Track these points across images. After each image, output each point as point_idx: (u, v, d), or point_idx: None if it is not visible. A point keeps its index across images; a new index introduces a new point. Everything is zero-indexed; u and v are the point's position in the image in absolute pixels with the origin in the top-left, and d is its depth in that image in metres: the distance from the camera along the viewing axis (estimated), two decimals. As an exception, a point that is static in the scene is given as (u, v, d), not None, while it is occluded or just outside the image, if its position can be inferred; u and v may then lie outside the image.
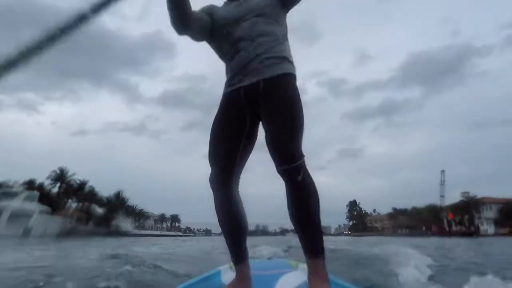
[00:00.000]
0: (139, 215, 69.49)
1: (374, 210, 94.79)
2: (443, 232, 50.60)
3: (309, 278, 1.19)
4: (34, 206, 26.05)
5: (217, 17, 1.41)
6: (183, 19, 1.26)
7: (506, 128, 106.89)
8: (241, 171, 1.37)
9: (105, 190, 53.60)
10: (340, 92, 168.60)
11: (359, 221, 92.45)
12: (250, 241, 1.49)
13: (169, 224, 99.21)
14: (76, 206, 47.19)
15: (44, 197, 32.55)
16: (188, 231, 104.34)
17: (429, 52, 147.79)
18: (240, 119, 1.31)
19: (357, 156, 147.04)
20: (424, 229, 60.96)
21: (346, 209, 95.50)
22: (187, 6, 1.23)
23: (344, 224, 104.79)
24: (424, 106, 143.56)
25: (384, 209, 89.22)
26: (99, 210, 48.71)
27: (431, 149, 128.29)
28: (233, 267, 1.53)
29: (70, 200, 46.77)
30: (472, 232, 46.55)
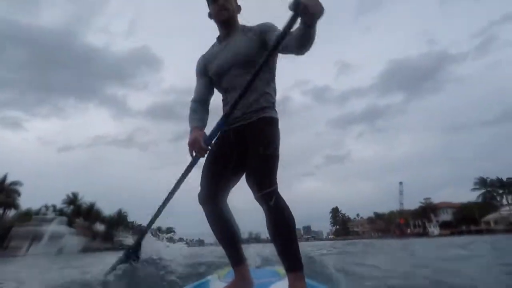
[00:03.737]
0: (137, 230, 75.43)
1: (358, 215, 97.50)
2: (402, 234, 58.92)
3: None
4: (64, 229, 33.38)
5: (209, 69, 1.64)
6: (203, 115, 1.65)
7: (483, 129, 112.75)
8: (229, 190, 1.56)
9: (99, 203, 56.99)
10: (324, 100, 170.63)
11: (342, 226, 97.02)
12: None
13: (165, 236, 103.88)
14: (83, 225, 53.69)
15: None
16: (184, 243, 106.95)
17: (408, 60, 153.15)
18: (228, 154, 1.53)
19: (344, 161, 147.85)
20: (395, 231, 69.02)
21: (329, 215, 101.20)
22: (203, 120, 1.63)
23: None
24: (406, 111, 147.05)
25: (368, 213, 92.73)
26: (101, 227, 55.26)
27: (415, 152, 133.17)
28: (222, 276, 1.73)
29: (77, 220, 53.32)
30: (422, 233, 54.83)
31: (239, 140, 1.50)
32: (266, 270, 2.40)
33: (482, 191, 52.02)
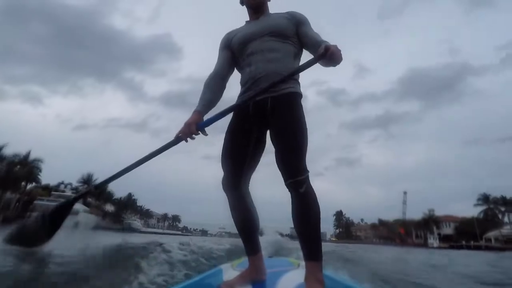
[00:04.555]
0: (145, 214, 78.37)
1: (362, 220, 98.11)
2: (403, 243, 59.74)
3: (306, 279, 1.27)
4: (80, 206, 35.99)
5: (234, 39, 1.57)
6: (219, 93, 1.57)
7: (498, 145, 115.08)
8: (250, 173, 1.49)
9: (111, 186, 60.55)
10: (339, 102, 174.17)
11: (345, 229, 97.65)
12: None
13: (169, 223, 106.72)
14: (95, 204, 56.72)
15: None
16: (185, 231, 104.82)
17: (428, 69, 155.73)
18: (248, 129, 1.45)
19: (354, 165, 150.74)
20: (396, 240, 69.77)
21: (333, 218, 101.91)
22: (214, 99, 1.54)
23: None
24: (422, 119, 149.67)
25: (373, 219, 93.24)
26: (111, 208, 58.26)
27: (428, 162, 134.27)
28: (235, 265, 1.71)
29: (90, 200, 56.38)
30: (422, 244, 55.53)
31: (260, 114, 1.42)
32: (279, 260, 2.41)
33: (484, 207, 52.32)
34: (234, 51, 1.59)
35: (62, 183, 54.58)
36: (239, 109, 1.45)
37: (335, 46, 1.27)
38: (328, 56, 1.26)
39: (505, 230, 48.78)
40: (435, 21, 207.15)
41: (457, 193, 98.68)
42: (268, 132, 1.46)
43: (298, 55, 1.55)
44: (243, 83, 1.52)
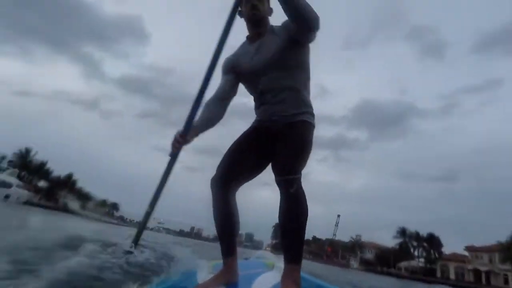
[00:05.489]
0: (84, 197, 74.75)
1: None
2: (328, 261, 64.86)
3: (282, 280, 1.26)
4: (13, 180, 34.23)
5: (241, 70, 1.55)
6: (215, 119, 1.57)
7: (430, 184, 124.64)
8: (242, 183, 1.48)
9: (51, 163, 56.48)
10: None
11: (280, 241, 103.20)
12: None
13: (107, 211, 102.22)
14: (28, 179, 53.44)
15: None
16: (120, 220, 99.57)
17: (380, 102, 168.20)
18: (254, 146, 1.49)
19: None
20: (324, 257, 75.17)
21: (271, 229, 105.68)
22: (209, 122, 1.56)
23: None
24: (368, 148, 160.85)
25: (308, 235, 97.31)
26: (42, 184, 55.21)
27: (365, 188, 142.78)
28: (210, 267, 1.70)
29: (23, 173, 53.07)
30: (345, 264, 60.97)
31: (269, 139, 1.45)
32: (254, 262, 2.37)
33: (401, 240, 59.13)
34: (243, 80, 1.60)
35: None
36: (253, 128, 1.55)
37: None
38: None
39: (414, 262, 55.96)
40: (392, 60, 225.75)
41: (384, 222, 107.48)
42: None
43: (307, 73, 1.52)
44: (257, 114, 1.58)
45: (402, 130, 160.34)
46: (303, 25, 1.34)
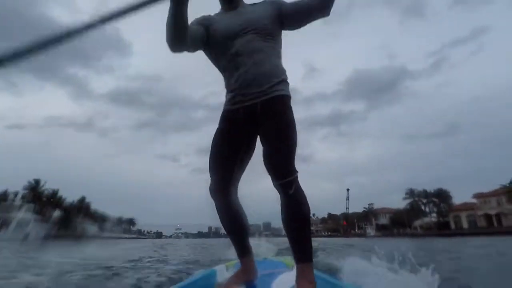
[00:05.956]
0: (100, 219, 76.27)
1: (313, 215, 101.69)
2: (346, 234, 66.62)
3: (297, 281, 1.25)
4: (30, 216, 35.65)
5: (214, 29, 1.41)
6: (181, 37, 1.23)
7: (432, 141, 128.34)
8: (239, 179, 1.46)
9: (62, 191, 58.03)
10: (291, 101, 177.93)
11: None
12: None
13: (124, 228, 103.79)
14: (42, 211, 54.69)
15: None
16: (139, 234, 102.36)
17: (371, 70, 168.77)
18: (238, 134, 1.40)
19: (308, 161, 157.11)
20: (341, 231, 76.92)
21: None
22: (186, 24, 1.21)
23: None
24: (367, 118, 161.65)
25: (324, 213, 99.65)
26: (57, 213, 56.26)
27: (372, 157, 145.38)
28: (229, 267, 1.72)
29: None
30: (362, 234, 62.70)
31: (250, 118, 1.36)
32: (273, 261, 2.34)
33: (410, 200, 60.57)
34: (214, 43, 1.43)
35: (5, 192, 51.98)
36: (229, 114, 1.42)
37: None
38: None
39: (427, 219, 57.42)
40: (375, 27, 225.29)
41: (394, 186, 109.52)
42: (257, 137, 1.41)
43: (280, 54, 1.47)
44: (231, 87, 1.41)
45: (397, 94, 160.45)
46: (327, 11, 1.39)
